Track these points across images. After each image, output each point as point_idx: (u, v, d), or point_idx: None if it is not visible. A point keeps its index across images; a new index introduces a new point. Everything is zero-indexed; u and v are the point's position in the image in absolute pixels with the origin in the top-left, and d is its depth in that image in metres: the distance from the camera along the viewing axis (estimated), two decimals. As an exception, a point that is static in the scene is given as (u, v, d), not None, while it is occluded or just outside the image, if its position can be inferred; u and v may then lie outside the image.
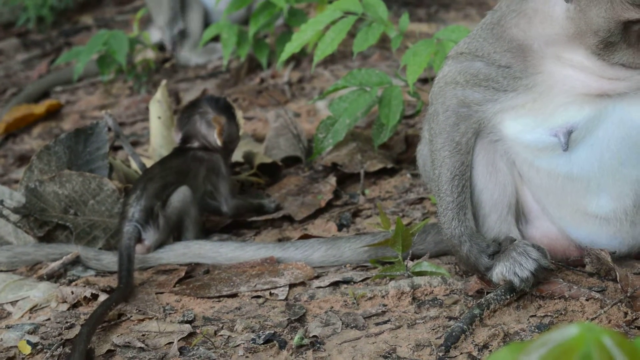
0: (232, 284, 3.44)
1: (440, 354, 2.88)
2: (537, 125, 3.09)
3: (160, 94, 4.46)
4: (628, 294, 2.95)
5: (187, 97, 5.38)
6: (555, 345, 1.67)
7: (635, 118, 3.02)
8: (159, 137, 4.40)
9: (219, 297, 3.38)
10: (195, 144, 3.98)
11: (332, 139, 4.04)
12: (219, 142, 3.93)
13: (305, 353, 3.00)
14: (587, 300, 3.04)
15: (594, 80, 3.00)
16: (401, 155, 4.28)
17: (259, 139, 4.70)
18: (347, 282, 3.40)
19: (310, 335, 3.08)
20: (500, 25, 3.12)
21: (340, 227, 3.84)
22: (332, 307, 3.24)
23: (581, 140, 3.06)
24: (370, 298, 3.24)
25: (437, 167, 3.23)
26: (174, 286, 3.48)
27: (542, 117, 3.07)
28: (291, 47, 4.22)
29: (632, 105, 3.02)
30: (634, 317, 2.93)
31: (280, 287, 3.39)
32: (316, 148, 4.07)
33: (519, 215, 3.28)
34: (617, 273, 3.01)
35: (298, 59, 5.51)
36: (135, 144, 4.97)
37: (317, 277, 3.46)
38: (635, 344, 1.71)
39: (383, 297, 3.23)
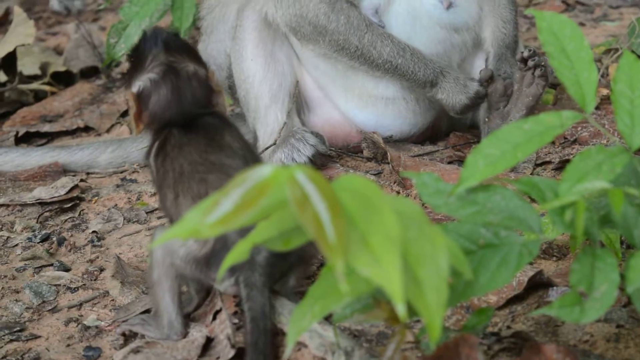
0: (15, 190, 3.36)
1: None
2: None
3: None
4: (400, 175, 3.00)
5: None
6: (252, 184, 1.68)
7: None
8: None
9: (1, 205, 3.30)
10: None
11: (124, 44, 3.96)
12: None
13: (84, 248, 2.97)
14: (361, 181, 3.07)
15: None
16: (200, 60, 4.24)
17: (61, 53, 4.59)
18: (133, 181, 3.36)
19: (91, 231, 3.04)
20: None
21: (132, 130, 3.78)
22: (115, 205, 3.21)
23: None
24: (154, 194, 3.22)
25: None
26: (-43, 195, 3.38)
27: None
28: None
29: None
30: (405, 195, 2.99)
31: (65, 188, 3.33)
32: (108, 54, 3.99)
33: (301, 104, 3.30)
34: (389, 154, 3.06)
35: (103, -28, 5.38)
36: None
37: (103, 177, 3.42)
38: (333, 182, 1.73)
39: (166, 191, 3.20)
